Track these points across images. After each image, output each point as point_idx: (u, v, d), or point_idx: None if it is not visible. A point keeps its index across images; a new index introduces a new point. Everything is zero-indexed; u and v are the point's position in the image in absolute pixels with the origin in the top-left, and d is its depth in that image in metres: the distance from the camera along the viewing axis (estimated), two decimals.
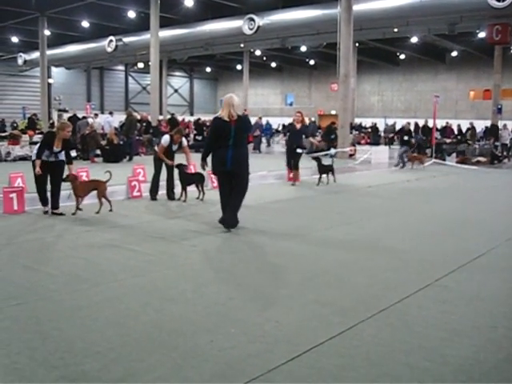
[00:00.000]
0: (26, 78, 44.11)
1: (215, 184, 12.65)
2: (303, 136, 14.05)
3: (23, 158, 18.95)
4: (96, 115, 24.97)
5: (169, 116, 29.95)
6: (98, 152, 20.08)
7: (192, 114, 51.41)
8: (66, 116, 29.56)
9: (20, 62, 41.13)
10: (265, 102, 51.47)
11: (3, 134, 26.58)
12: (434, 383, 3.38)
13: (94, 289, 5.09)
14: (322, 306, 4.69)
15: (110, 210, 9.05)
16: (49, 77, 38.68)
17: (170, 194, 10.89)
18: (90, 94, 48.33)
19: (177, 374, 3.42)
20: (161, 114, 33.52)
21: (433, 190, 13.39)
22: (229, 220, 7.76)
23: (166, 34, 29.71)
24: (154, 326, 4.18)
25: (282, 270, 5.89)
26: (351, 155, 22.90)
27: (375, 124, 37.79)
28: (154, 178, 10.84)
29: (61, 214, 8.73)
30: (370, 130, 37.48)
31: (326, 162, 14.25)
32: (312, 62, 44.76)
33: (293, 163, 13.77)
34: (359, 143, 31.37)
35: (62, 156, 8.93)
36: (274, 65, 47.57)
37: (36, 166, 8.66)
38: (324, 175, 13.85)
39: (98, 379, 3.32)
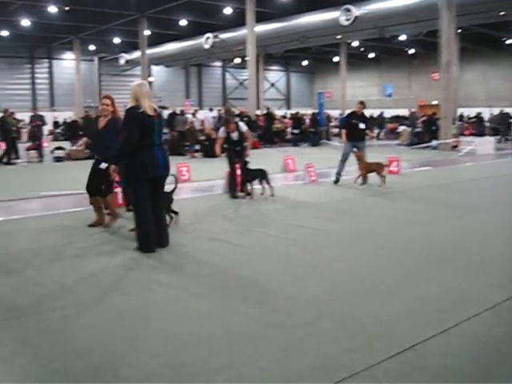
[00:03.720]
0: (128, 77, 45.88)
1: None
2: (112, 139, 7.37)
3: None
4: (196, 111, 25.56)
5: (265, 111, 30.17)
6: (198, 147, 20.62)
7: (289, 108, 51.49)
8: (166, 112, 30.50)
9: (122, 61, 42.90)
10: (363, 93, 50.50)
11: None
12: None
13: (196, 280, 5.24)
14: (422, 302, 4.56)
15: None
16: (149, 75, 40.04)
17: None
18: (189, 91, 49.61)
19: (276, 365, 3.45)
20: (258, 108, 33.81)
21: None
22: (167, 238, 6.54)
23: (262, 28, 29.89)
24: (252, 319, 4.23)
25: (380, 265, 5.78)
26: (454, 147, 22.05)
27: (479, 114, 36.10)
28: (229, 175, 10.64)
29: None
30: (474, 120, 35.86)
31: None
32: (411, 51, 43.44)
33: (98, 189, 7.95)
34: (463, 134, 30.08)
35: None
36: (371, 55, 46.66)
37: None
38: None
39: (199, 368, 3.42)
